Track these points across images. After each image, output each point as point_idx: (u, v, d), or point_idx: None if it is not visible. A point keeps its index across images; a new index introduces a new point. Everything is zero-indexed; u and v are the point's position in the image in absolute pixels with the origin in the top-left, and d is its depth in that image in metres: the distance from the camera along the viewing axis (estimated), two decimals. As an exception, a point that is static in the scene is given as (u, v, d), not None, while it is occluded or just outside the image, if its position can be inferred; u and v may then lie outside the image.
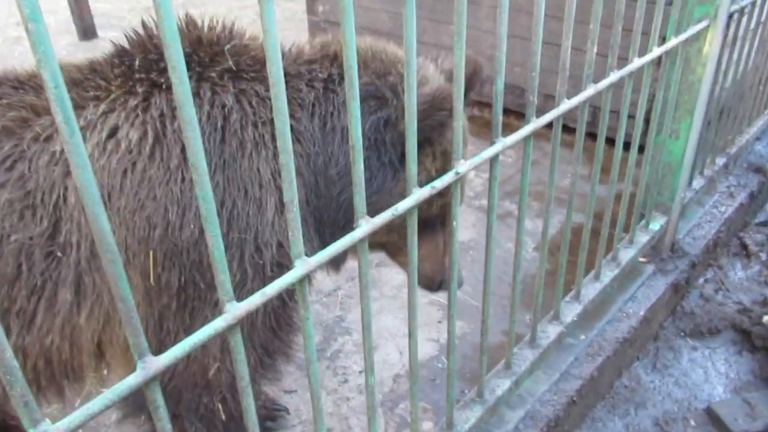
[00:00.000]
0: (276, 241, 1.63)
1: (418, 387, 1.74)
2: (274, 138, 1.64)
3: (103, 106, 1.57)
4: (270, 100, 1.60)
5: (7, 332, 1.57)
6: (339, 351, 2.94)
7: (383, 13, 5.76)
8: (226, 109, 1.62)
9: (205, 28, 1.74)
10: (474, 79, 1.93)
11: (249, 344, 1.68)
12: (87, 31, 7.36)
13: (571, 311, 2.60)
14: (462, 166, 1.52)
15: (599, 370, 2.62)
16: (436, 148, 1.87)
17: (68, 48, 7.16)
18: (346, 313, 3.20)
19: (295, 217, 1.16)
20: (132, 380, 0.99)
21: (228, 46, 1.69)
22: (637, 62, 2.20)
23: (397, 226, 1.84)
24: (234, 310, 1.10)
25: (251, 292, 1.14)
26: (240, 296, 1.15)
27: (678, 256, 3.26)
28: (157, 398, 1.05)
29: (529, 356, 2.39)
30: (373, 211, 1.37)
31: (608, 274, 2.81)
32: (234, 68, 1.68)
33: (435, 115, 1.73)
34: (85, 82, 1.62)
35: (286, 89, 1.70)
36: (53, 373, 1.67)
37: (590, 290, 2.72)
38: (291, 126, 1.68)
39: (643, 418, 2.84)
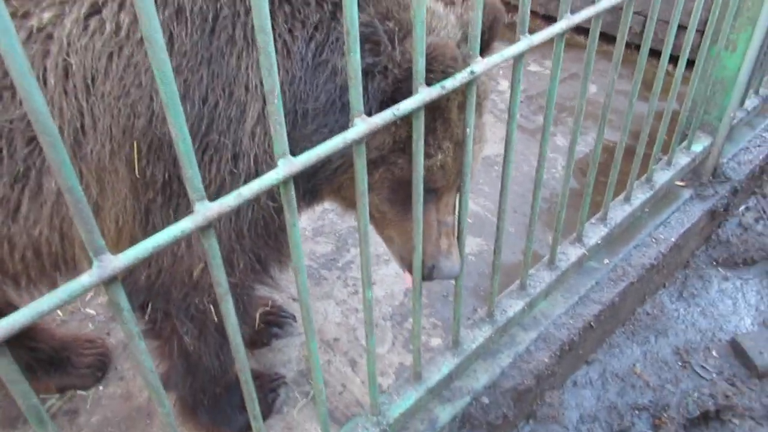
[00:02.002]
0: (254, 153, 1.50)
1: (430, 302, 1.65)
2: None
3: None
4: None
5: None
6: (351, 262, 2.86)
7: None
8: (219, 4, 1.45)
9: None
10: (495, 27, 1.67)
11: (238, 248, 1.59)
12: None
13: (595, 234, 2.45)
14: (478, 65, 1.34)
15: (621, 295, 2.50)
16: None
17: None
18: (363, 223, 3.11)
19: (277, 110, 1.02)
20: (86, 279, 0.90)
21: None
22: (695, -42, 1.93)
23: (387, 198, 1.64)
24: (204, 210, 1.00)
25: None
26: None
27: (720, 181, 3.04)
28: (120, 300, 0.96)
29: (545, 278, 2.27)
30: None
31: (640, 196, 2.63)
32: None
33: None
34: None
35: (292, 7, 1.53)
36: (44, 265, 1.62)
37: (618, 213, 2.55)
38: (284, 41, 1.50)
39: (662, 346, 2.74)
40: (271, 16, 1.37)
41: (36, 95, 0.75)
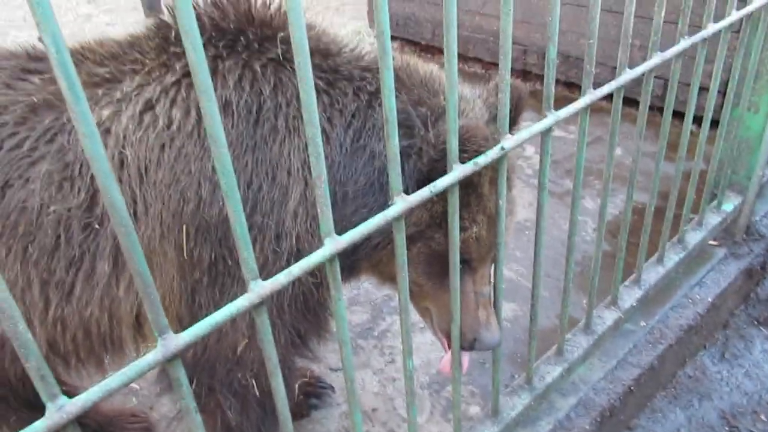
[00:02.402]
0: (296, 233, 1.59)
1: (467, 369, 1.67)
2: None
3: (138, 79, 1.56)
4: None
5: (47, 303, 1.60)
6: (387, 330, 2.89)
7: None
8: (262, 98, 1.59)
9: (258, 3, 1.69)
10: (520, 105, 1.78)
11: (279, 323, 1.65)
12: (152, 6, 7.52)
13: (630, 296, 2.46)
14: (508, 141, 1.42)
15: (660, 358, 2.47)
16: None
17: (135, 24, 7.33)
18: (396, 292, 3.15)
19: (323, 194, 1.10)
20: (152, 357, 0.97)
21: (281, 34, 1.65)
22: (711, 28, 2.02)
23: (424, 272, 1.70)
24: (258, 288, 1.06)
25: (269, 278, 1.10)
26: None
27: (754, 239, 3.03)
28: (180, 376, 1.02)
29: (582, 342, 2.27)
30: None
31: (673, 257, 2.64)
32: (280, 58, 1.64)
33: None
34: (122, 56, 1.62)
35: (333, 89, 1.67)
36: (92, 345, 1.70)
37: (652, 274, 2.56)
38: (323, 129, 1.62)
39: (707, 410, 2.67)
40: None
41: (115, 192, 0.84)
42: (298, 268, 1.11)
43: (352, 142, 1.64)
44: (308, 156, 1.58)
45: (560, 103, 1.48)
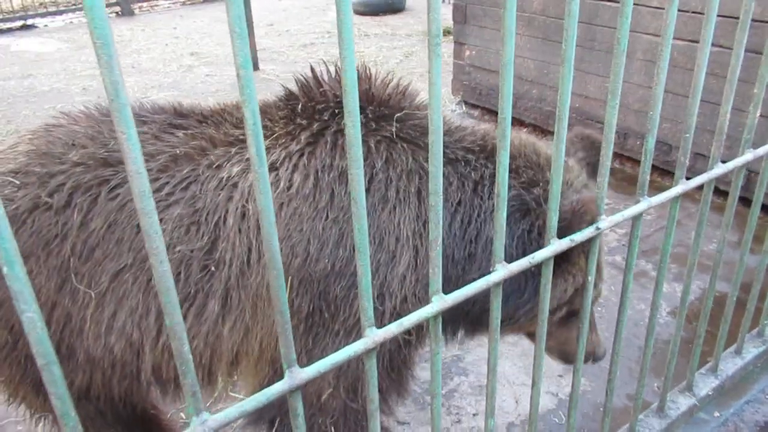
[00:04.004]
0: (402, 295, 1.72)
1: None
2: (419, 201, 1.77)
3: (265, 143, 1.75)
4: (417, 173, 1.75)
5: (159, 332, 1.76)
6: (454, 390, 2.95)
7: (530, 61, 5.80)
8: (374, 171, 1.76)
9: (377, 83, 1.89)
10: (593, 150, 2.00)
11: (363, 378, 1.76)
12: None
13: (705, 384, 2.44)
14: (603, 222, 1.52)
15: (734, 452, 2.42)
16: (574, 267, 1.92)
17: (233, 78, 7.86)
18: (465, 353, 3.21)
19: (437, 256, 1.23)
20: (280, 386, 1.10)
21: (398, 114, 1.83)
22: (803, 129, 2.07)
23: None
24: (373, 335, 1.18)
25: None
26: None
27: (837, 341, 2.94)
28: (299, 406, 1.15)
29: (655, 425, 2.27)
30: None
31: (752, 350, 2.61)
32: (394, 136, 1.81)
33: (576, 227, 1.79)
34: None
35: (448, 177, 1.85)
36: None
37: (729, 365, 2.53)
38: None
39: None
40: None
41: (274, 238, 0.99)
42: (408, 320, 1.23)
43: (461, 229, 1.82)
44: (419, 225, 1.75)
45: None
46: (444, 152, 1.84)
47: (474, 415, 2.82)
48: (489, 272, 1.36)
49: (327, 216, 1.71)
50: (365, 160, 1.77)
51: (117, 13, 12.16)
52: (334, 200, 1.70)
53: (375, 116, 1.82)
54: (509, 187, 1.74)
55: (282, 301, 1.04)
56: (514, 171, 1.84)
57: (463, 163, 1.84)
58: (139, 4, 12.68)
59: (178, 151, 1.76)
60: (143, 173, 0.83)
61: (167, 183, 1.73)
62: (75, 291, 1.71)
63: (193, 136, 1.80)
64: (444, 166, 1.83)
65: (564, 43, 1.24)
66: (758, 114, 1.82)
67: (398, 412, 2.69)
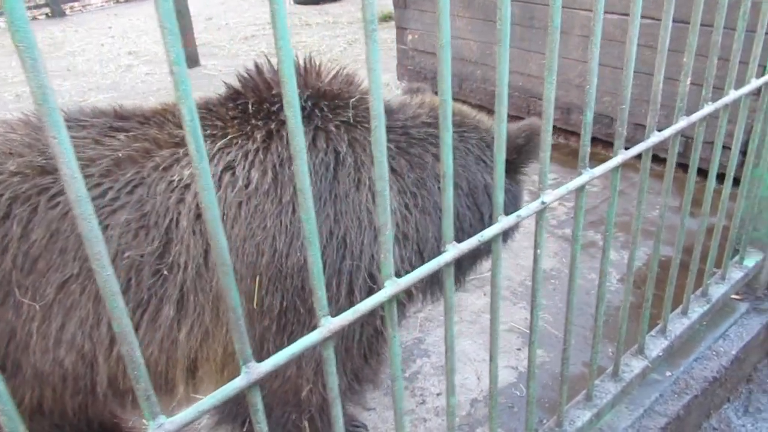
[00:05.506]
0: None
1: (496, 414, 1.76)
2: (396, 177, 1.87)
3: (219, 143, 1.74)
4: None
5: (112, 341, 1.71)
6: (417, 372, 2.98)
7: (472, 42, 5.85)
8: (340, 156, 1.78)
9: (327, 80, 1.92)
10: (536, 140, 2.11)
11: (341, 371, 1.77)
12: (191, 59, 7.86)
13: (656, 346, 2.54)
14: (548, 196, 1.55)
15: (686, 408, 2.53)
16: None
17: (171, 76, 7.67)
18: (425, 335, 3.25)
19: (387, 240, 1.23)
20: (237, 383, 1.09)
21: (353, 100, 1.87)
22: (733, 94, 2.16)
23: None
24: (328, 324, 1.19)
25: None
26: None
27: (775, 294, 3.10)
28: (257, 401, 1.15)
29: (611, 389, 2.35)
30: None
31: (697, 310, 2.72)
32: (351, 120, 1.84)
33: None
34: (202, 121, 1.80)
35: (410, 155, 1.91)
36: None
37: (677, 325, 2.64)
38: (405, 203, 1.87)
39: (733, 463, 2.71)
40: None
41: (221, 235, 0.98)
42: (363, 306, 1.23)
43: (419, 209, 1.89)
44: (403, 198, 1.83)
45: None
46: (408, 132, 1.90)
47: (438, 395, 2.86)
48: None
49: (293, 210, 1.70)
50: (327, 145, 1.78)
51: (47, 14, 11.70)
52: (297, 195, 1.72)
53: (330, 109, 1.83)
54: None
55: (233, 297, 1.03)
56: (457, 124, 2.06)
57: (428, 137, 1.99)
58: (70, 5, 12.23)
59: (120, 155, 1.71)
60: (78, 177, 0.81)
61: (111, 188, 1.68)
62: (19, 305, 1.66)
63: (135, 138, 1.75)
64: (414, 140, 1.96)
65: (499, 23, 1.26)
66: (689, 82, 1.88)
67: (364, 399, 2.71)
